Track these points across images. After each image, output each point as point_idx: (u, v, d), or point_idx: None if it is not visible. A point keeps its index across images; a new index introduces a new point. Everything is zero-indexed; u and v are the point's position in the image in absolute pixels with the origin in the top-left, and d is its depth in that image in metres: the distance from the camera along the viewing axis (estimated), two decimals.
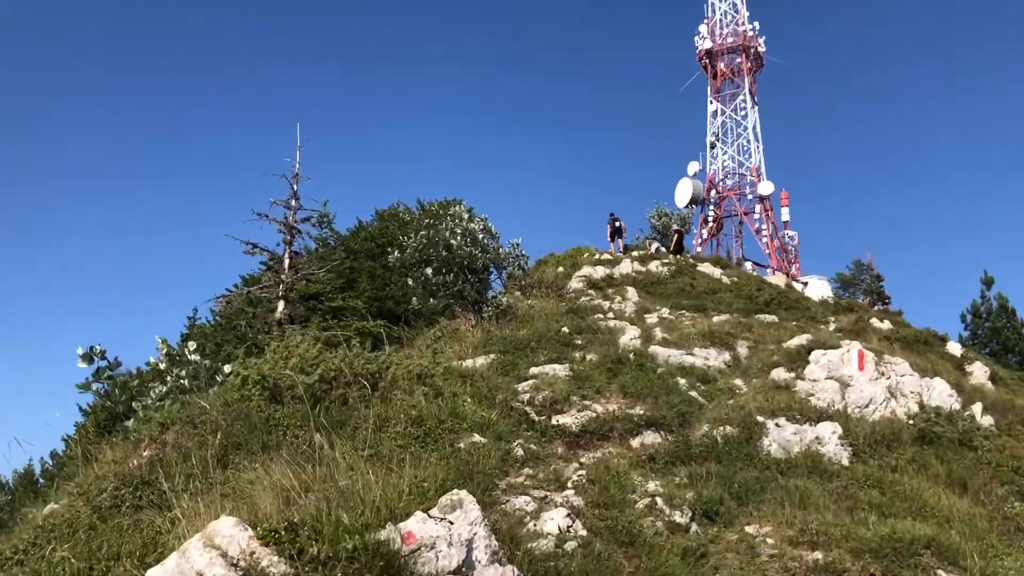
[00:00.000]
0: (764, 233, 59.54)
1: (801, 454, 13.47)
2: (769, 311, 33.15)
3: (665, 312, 30.00)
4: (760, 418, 14.34)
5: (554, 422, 13.87)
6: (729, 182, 61.03)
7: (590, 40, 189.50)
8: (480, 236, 22.61)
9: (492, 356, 19.28)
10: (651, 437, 13.66)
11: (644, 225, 44.96)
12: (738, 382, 17.19)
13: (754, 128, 60.85)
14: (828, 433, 14.11)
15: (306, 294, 21.99)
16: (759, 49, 61.93)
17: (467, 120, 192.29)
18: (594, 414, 14.21)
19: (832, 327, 33.26)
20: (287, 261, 23.13)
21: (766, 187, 59.25)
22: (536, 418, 13.97)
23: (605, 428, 13.68)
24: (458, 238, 22.16)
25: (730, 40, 61.93)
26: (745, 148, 60.80)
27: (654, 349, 18.40)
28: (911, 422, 15.46)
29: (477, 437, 11.47)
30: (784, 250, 60.25)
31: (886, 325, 34.13)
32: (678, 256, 40.32)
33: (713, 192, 60.67)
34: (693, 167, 60.12)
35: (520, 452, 11.97)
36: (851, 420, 15.05)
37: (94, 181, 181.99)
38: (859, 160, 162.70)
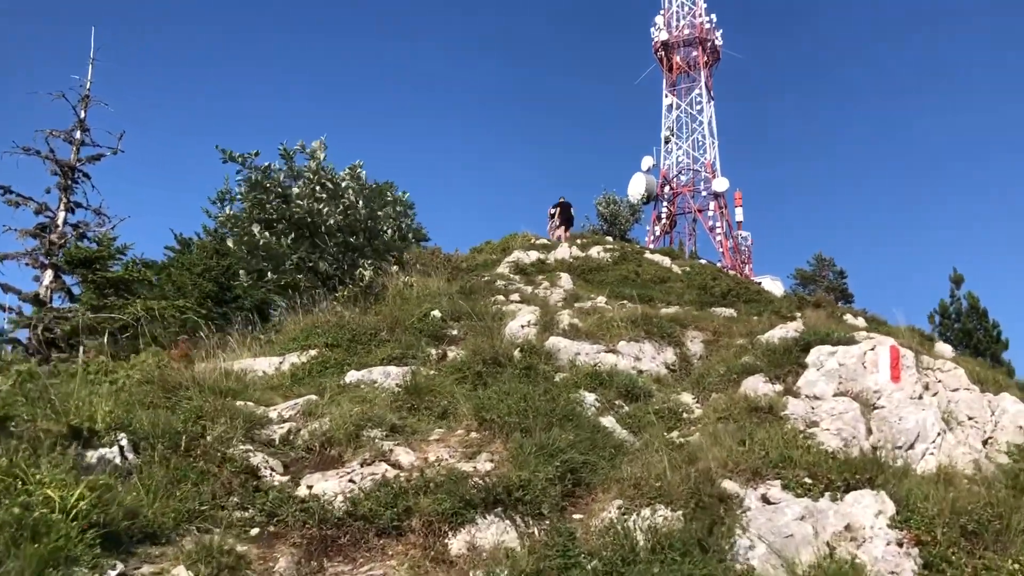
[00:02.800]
0: (718, 231, 51.80)
1: (821, 570, 5.47)
2: (726, 303, 25.19)
3: (601, 301, 22.00)
4: (730, 484, 6.37)
5: (301, 491, 5.82)
6: (683, 178, 53.19)
7: (543, 25, 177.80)
8: (343, 186, 14.64)
9: (314, 353, 11.23)
10: (494, 533, 5.63)
11: (591, 213, 36.91)
12: (687, 399, 9.20)
13: (710, 123, 53.14)
14: (869, 515, 6.18)
15: (78, 258, 13.73)
16: (716, 42, 54.17)
17: (405, 103, 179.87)
18: (391, 471, 6.15)
19: (800, 323, 25.55)
20: (61, 215, 14.89)
21: (721, 184, 51.53)
22: (271, 479, 5.89)
23: (399, 510, 5.64)
24: (300, 186, 14.19)
25: (686, 32, 54.13)
26: (700, 144, 53.00)
27: (555, 342, 10.32)
28: (1006, 482, 7.51)
29: None
30: (737, 250, 52.53)
31: (860, 322, 26.38)
32: (566, 231, 31.89)
33: (667, 188, 52.85)
34: (647, 162, 52.20)
35: None
36: (896, 474, 7.11)
37: None
38: (815, 160, 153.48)
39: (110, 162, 14.98)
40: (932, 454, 8.32)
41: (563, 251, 27.79)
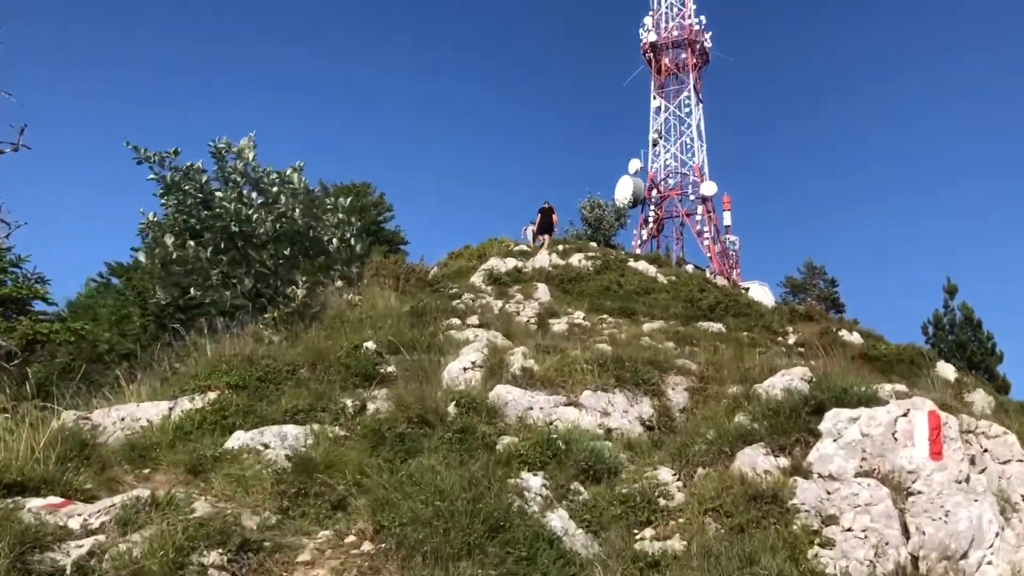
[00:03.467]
0: (706, 235, 49.67)
1: None
2: (714, 317, 23.00)
3: (579, 316, 19.70)
4: None
5: None
6: (671, 181, 51.06)
7: (530, 26, 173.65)
8: (274, 191, 12.24)
9: (213, 396, 8.92)
10: None
11: (575, 217, 34.65)
12: (665, 475, 6.89)
13: (698, 126, 50.96)
14: None
15: None
16: (705, 44, 52.03)
17: (387, 107, 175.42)
18: None
19: (792, 339, 23.31)
20: None
21: (709, 188, 49.40)
22: None
23: None
24: (224, 189, 11.82)
25: (675, 34, 51.97)
26: (688, 147, 50.87)
27: (502, 393, 7.96)
28: None
29: None
30: (725, 254, 50.43)
31: (856, 338, 24.14)
32: (546, 237, 29.62)
33: (654, 191, 50.66)
34: (634, 164, 50.02)
35: None
36: None
37: None
38: (804, 164, 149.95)
39: (10, 161, 12.66)
40: (991, 563, 6.08)
41: (542, 259, 25.53)
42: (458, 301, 18.47)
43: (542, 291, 21.73)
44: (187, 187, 12.04)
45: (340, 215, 13.82)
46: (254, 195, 12.86)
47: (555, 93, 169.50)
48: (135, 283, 24.83)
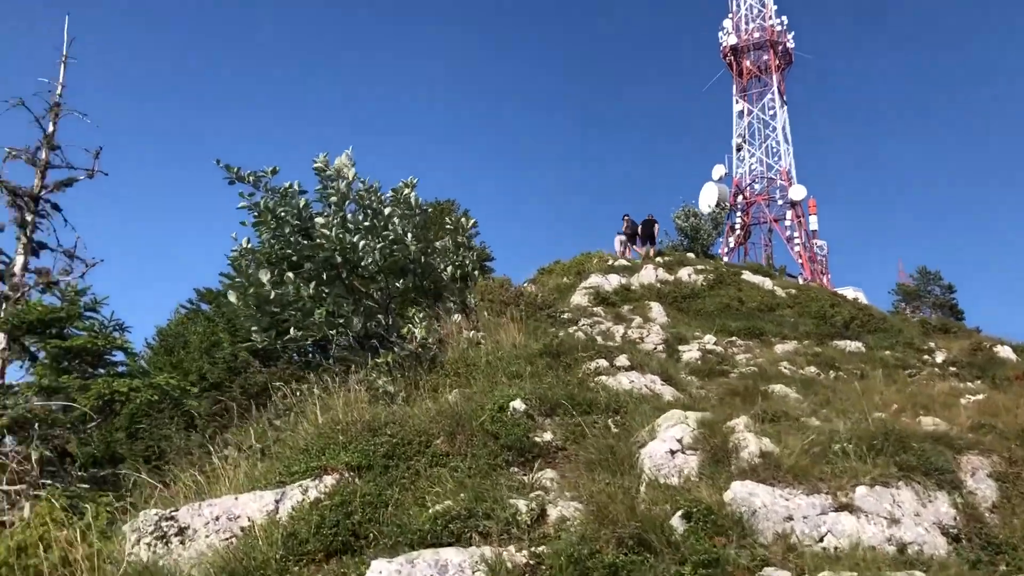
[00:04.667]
0: (796, 241, 46.13)
1: None
2: (849, 335, 19.98)
3: (709, 340, 16.96)
4: None
5: None
6: (757, 187, 47.69)
7: (606, 34, 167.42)
8: (386, 213, 9.94)
9: (331, 482, 6.56)
10: None
11: (669, 227, 31.76)
12: None
13: (783, 129, 47.50)
14: None
15: (27, 321, 9.29)
16: (788, 45, 48.60)
17: (471, 120, 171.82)
18: None
19: (939, 357, 20.08)
20: (19, 259, 10.52)
21: (798, 192, 45.91)
22: None
23: None
24: (326, 214, 9.54)
25: (756, 35, 48.63)
26: (774, 150, 47.46)
27: (744, 494, 5.31)
28: None
29: None
30: (815, 260, 46.80)
31: (1009, 353, 20.77)
32: (650, 249, 27.29)
33: (740, 198, 47.35)
34: (718, 171, 46.79)
35: None
36: None
37: None
38: (888, 167, 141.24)
39: (85, 188, 10.66)
40: None
41: (648, 274, 22.81)
42: (575, 328, 15.94)
43: (656, 311, 19.05)
44: (283, 212, 9.78)
45: (459, 236, 11.41)
46: (359, 217, 10.55)
47: (630, 101, 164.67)
48: (224, 310, 23.02)
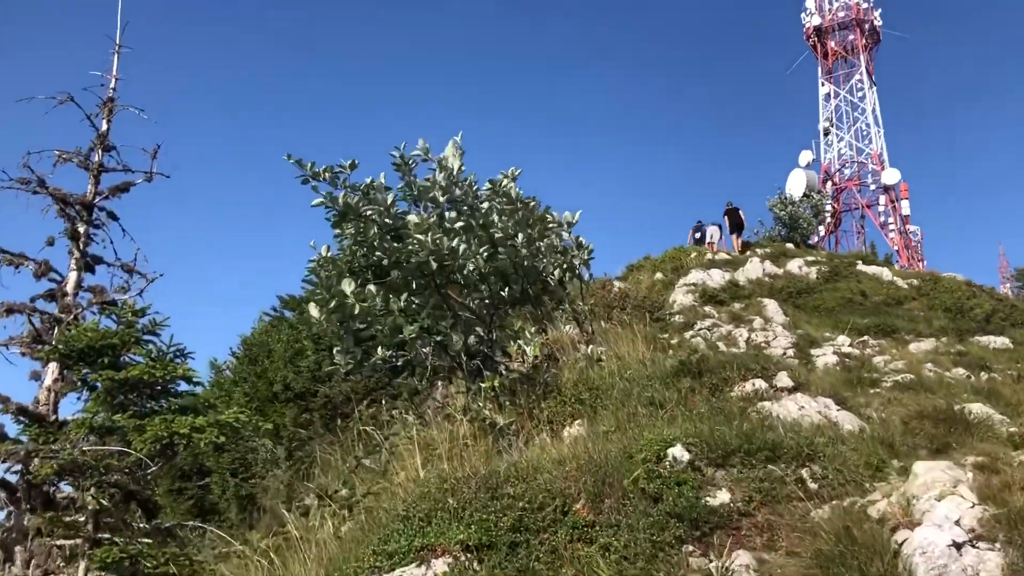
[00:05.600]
0: (891, 227, 42.67)
1: None
2: (991, 330, 17.23)
3: (843, 342, 14.57)
4: None
5: None
6: (847, 172, 44.30)
7: (679, 19, 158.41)
8: (486, 208, 8.11)
9: (443, 568, 4.68)
10: None
11: (765, 216, 29.12)
12: None
13: (873, 111, 43.95)
14: None
15: (77, 348, 7.71)
16: (875, 23, 44.96)
17: (538, 113, 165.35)
18: None
19: None
20: (72, 276, 9.00)
21: (891, 176, 42.39)
22: None
23: None
24: (420, 213, 7.73)
25: (841, 14, 45.14)
26: (864, 133, 43.97)
27: None
28: None
29: None
30: (909, 246, 43.18)
31: None
32: (738, 239, 24.88)
33: (829, 184, 44.02)
34: (806, 156, 43.50)
35: None
36: None
37: None
38: (985, 148, 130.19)
39: (144, 192, 9.13)
40: None
41: (754, 268, 20.39)
42: (692, 332, 13.77)
43: (772, 308, 16.67)
44: (368, 211, 7.97)
45: (565, 233, 9.43)
46: (453, 214, 8.67)
47: (711, 86, 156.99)
48: (309, 321, 21.61)
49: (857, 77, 44.41)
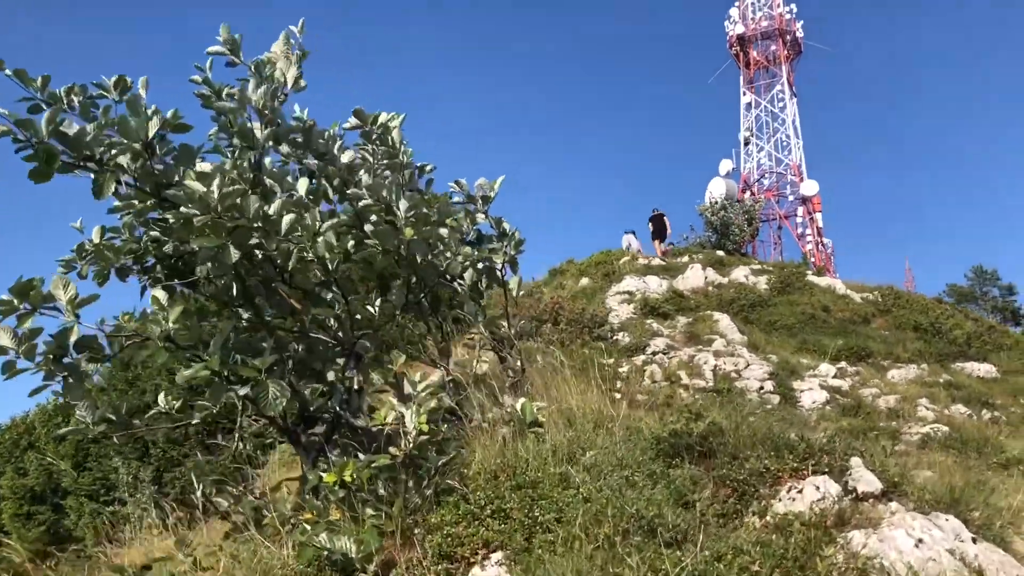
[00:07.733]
0: (808, 239, 40.71)
1: None
2: (973, 355, 14.38)
3: (828, 372, 11.27)
4: None
5: None
6: (766, 182, 42.18)
7: (606, 25, 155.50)
8: (328, 140, 4.54)
9: None
10: None
11: (696, 222, 26.24)
12: None
13: (793, 122, 41.99)
14: None
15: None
16: (797, 34, 43.08)
17: (469, 114, 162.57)
18: None
19: None
20: None
21: (809, 187, 40.47)
22: None
23: None
24: (238, 137, 4.09)
25: (764, 24, 43.07)
26: (784, 144, 41.95)
27: None
28: None
29: None
30: (824, 259, 41.39)
31: None
32: (658, 244, 22.41)
33: (747, 194, 41.76)
34: (725, 165, 41.08)
35: None
36: None
37: None
38: (897, 159, 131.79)
39: None
40: None
41: (696, 276, 17.04)
42: (645, 357, 10.17)
43: (725, 325, 13.30)
44: (114, 151, 3.98)
45: (481, 216, 5.63)
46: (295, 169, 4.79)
47: (631, 94, 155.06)
48: None
49: (778, 87, 42.40)
